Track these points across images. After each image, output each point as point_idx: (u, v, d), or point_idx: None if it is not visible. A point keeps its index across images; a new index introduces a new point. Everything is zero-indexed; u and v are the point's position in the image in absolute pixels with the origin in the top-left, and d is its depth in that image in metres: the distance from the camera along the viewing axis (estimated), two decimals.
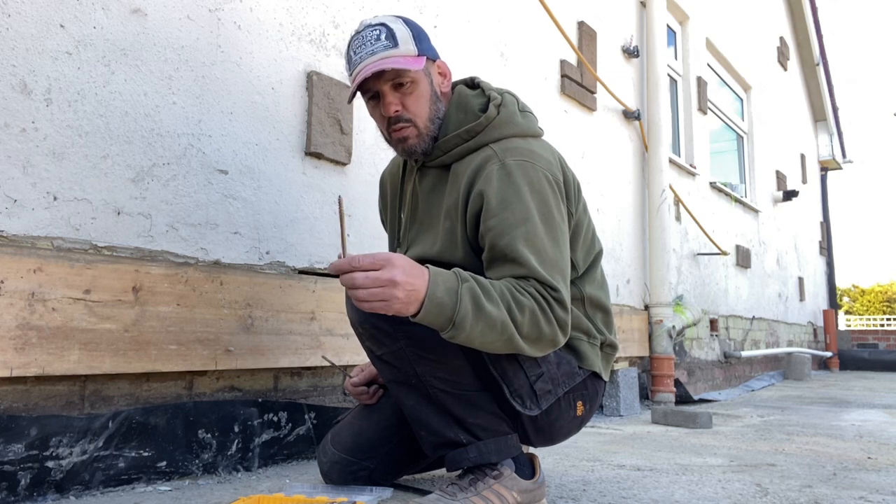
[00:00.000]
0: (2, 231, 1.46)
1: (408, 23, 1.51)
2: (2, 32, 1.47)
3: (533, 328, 1.33)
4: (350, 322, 1.50)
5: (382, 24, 1.48)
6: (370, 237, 2.35)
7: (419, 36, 1.51)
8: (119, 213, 1.67)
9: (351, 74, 1.50)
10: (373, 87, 1.49)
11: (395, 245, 1.73)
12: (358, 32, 1.50)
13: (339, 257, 1.27)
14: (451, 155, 1.54)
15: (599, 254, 1.66)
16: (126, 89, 1.70)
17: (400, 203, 1.71)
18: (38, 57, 1.53)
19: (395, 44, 1.46)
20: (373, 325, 1.42)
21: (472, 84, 1.66)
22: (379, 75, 1.46)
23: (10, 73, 1.48)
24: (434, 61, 1.56)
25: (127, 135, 1.69)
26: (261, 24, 2.05)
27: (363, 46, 1.47)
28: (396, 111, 1.49)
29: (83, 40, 1.62)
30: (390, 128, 1.52)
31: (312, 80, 2.18)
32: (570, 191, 1.55)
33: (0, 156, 1.46)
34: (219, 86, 1.92)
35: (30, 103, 1.51)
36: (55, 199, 1.55)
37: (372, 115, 1.56)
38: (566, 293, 1.40)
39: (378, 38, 1.46)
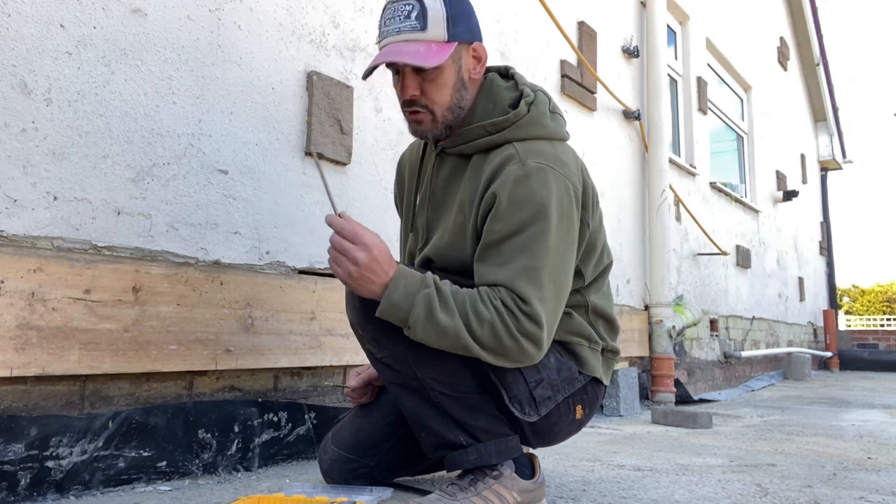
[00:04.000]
0: (2, 231, 1.46)
1: None
2: (2, 32, 1.47)
3: (493, 340, 1.33)
4: (350, 324, 1.49)
5: (418, 0, 1.40)
6: None
7: (457, 16, 1.43)
8: (119, 213, 1.67)
9: (378, 43, 1.46)
10: (394, 64, 1.44)
11: (407, 230, 1.71)
12: (391, 2, 1.43)
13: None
14: (473, 146, 1.50)
15: (609, 266, 1.64)
16: (126, 89, 1.70)
17: (417, 186, 1.66)
18: (38, 57, 1.53)
19: (424, 26, 1.39)
20: (374, 328, 1.41)
21: (506, 74, 1.60)
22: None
23: (10, 73, 1.48)
24: (470, 44, 1.48)
25: (127, 135, 1.69)
26: (261, 24, 2.05)
27: (392, 20, 1.41)
28: (413, 96, 1.45)
29: (83, 40, 1.62)
30: (405, 108, 1.49)
31: (312, 80, 2.18)
32: (587, 200, 1.52)
33: (0, 156, 1.46)
34: (219, 86, 1.92)
35: (30, 103, 1.51)
36: (55, 198, 1.55)
37: (394, 86, 1.51)
38: (544, 309, 1.35)
39: (408, 16, 1.40)
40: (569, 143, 1.58)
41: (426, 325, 1.31)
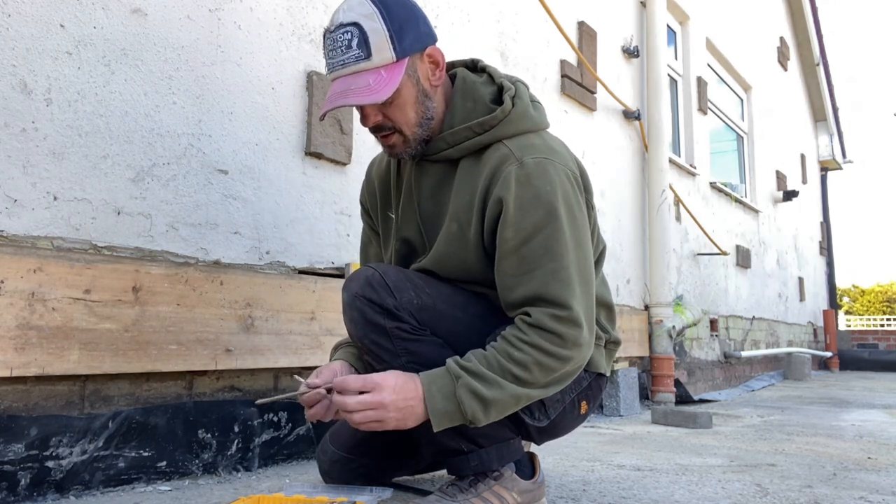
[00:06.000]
0: (2, 231, 1.46)
1: (385, 14, 1.32)
2: (2, 32, 1.47)
3: (545, 374, 1.32)
4: (349, 336, 1.47)
5: (355, 25, 1.31)
6: None
7: (402, 29, 1.34)
8: (119, 213, 1.67)
9: (328, 75, 1.39)
10: None
11: (386, 240, 1.63)
12: (329, 32, 1.35)
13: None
14: (460, 149, 1.43)
15: (603, 251, 1.62)
16: (126, 89, 1.70)
17: (398, 199, 1.58)
18: (38, 57, 1.53)
19: (368, 53, 1.31)
20: (373, 342, 1.39)
21: (475, 67, 1.53)
22: None
23: (10, 73, 1.48)
24: (422, 51, 1.39)
25: (127, 135, 1.69)
26: (261, 24, 2.05)
27: (334, 52, 1.34)
28: (376, 122, 1.40)
29: (83, 40, 1.62)
30: (374, 134, 1.45)
31: (312, 80, 2.18)
32: (587, 183, 1.50)
33: (0, 156, 1.46)
34: (219, 86, 1.92)
35: (30, 103, 1.51)
36: (55, 198, 1.55)
37: (357, 110, 1.47)
38: (581, 305, 1.34)
39: (349, 46, 1.31)
40: (559, 137, 1.55)
41: (485, 411, 1.29)
